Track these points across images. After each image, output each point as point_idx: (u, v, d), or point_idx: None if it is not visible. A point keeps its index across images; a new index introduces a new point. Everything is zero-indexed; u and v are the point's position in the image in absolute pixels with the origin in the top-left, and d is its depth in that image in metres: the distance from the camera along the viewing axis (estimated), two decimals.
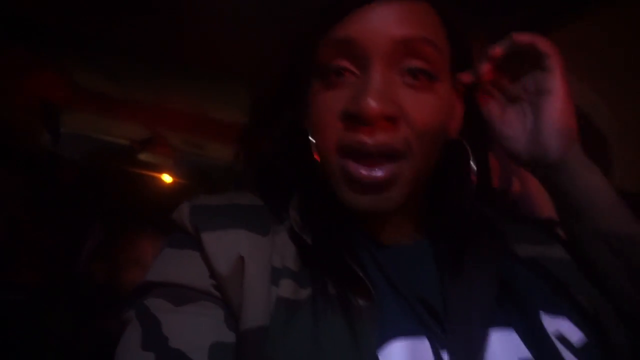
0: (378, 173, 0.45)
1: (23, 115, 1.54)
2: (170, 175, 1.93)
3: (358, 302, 0.43)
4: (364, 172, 0.45)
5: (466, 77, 0.50)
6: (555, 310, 0.47)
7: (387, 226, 0.52)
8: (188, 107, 1.64)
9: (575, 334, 0.46)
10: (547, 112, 0.50)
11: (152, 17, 1.22)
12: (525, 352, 0.44)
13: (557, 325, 0.46)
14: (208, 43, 1.29)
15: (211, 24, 1.21)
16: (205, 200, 0.50)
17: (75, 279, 1.41)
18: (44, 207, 1.39)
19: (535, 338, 0.45)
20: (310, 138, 0.50)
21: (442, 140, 0.50)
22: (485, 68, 0.50)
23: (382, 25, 0.46)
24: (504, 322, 0.46)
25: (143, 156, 1.77)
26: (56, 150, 1.58)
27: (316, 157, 0.49)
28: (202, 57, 1.36)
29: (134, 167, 1.75)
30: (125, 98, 1.61)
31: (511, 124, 0.53)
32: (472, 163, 0.53)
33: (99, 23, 1.29)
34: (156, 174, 1.82)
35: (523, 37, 0.49)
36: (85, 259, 1.42)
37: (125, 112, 1.66)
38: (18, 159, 1.39)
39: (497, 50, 0.49)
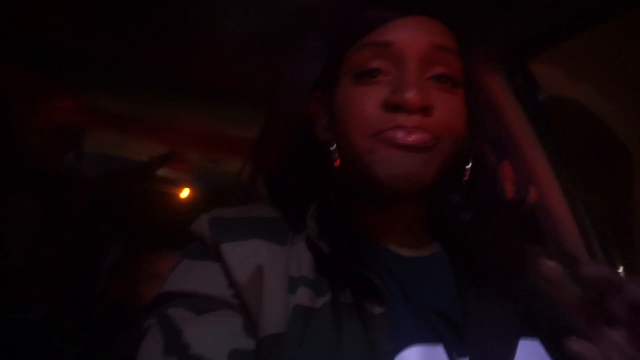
0: (415, 137, 0.49)
1: (43, 139, 1.59)
2: (189, 189, 1.96)
3: (373, 310, 0.45)
4: (401, 134, 0.49)
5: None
6: None
7: (403, 236, 0.54)
8: (204, 124, 1.67)
9: None
10: None
11: (166, 38, 1.25)
12: None
13: None
14: (221, 62, 1.32)
15: (222, 43, 1.23)
16: (223, 213, 0.52)
17: (91, 298, 1.44)
18: (62, 226, 1.42)
19: (560, 350, 0.43)
20: (331, 149, 0.54)
21: (460, 143, 0.54)
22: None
23: (417, 32, 0.52)
24: (528, 333, 0.46)
25: (162, 172, 1.80)
26: (78, 170, 1.62)
27: (336, 163, 0.53)
28: (215, 75, 1.39)
29: (153, 183, 1.78)
30: (143, 117, 1.65)
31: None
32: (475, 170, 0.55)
33: (115, 46, 1.32)
34: (175, 190, 1.85)
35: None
36: (103, 276, 1.45)
37: (143, 130, 1.70)
38: (40, 182, 1.43)
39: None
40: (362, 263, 0.48)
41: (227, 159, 1.78)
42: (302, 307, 0.45)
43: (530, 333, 0.47)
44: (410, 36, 0.52)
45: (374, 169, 0.50)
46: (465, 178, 0.56)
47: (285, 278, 0.47)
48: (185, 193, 1.91)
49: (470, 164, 0.57)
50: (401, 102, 0.49)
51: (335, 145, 0.54)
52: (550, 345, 0.47)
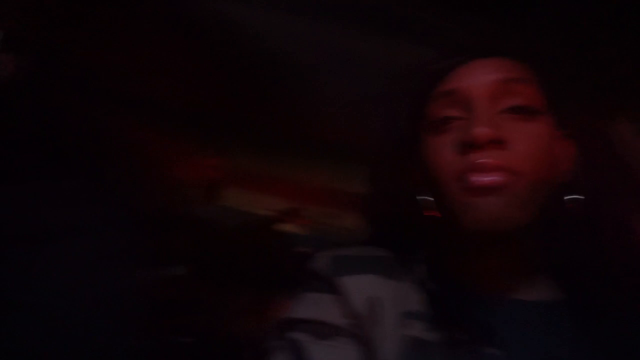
0: (493, 177, 0.49)
1: (189, 191, 1.83)
2: (305, 249, 2.08)
3: (490, 351, 0.47)
4: (482, 178, 0.49)
5: None
6: None
7: (515, 278, 0.54)
8: (323, 181, 1.80)
9: None
10: None
11: (292, 102, 1.42)
12: None
13: None
14: (341, 123, 1.45)
15: (341, 105, 1.37)
16: (338, 251, 0.58)
17: (227, 334, 1.57)
18: (206, 267, 1.60)
19: None
20: (417, 198, 0.57)
21: (550, 175, 0.53)
22: None
23: (480, 73, 0.54)
24: None
25: (283, 226, 1.95)
26: (215, 220, 1.82)
27: (434, 213, 0.55)
28: (334, 136, 1.52)
29: (275, 237, 1.92)
30: (270, 174, 1.83)
31: None
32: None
33: (249, 111, 1.52)
34: (295, 245, 1.97)
35: None
36: (236, 316, 1.58)
37: (269, 187, 1.88)
38: (185, 226, 1.65)
39: None
40: (475, 305, 0.50)
41: (345, 215, 1.89)
42: (416, 339, 0.48)
43: None
44: (473, 78, 0.53)
45: (459, 216, 0.50)
46: (573, 214, 0.55)
47: (400, 311, 0.50)
48: (303, 247, 2.03)
49: (580, 199, 0.54)
50: (470, 139, 0.50)
51: (422, 196, 0.56)
52: None
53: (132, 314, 0.64)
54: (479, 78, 0.54)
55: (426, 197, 0.57)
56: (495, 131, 0.50)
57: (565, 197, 0.56)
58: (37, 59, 0.65)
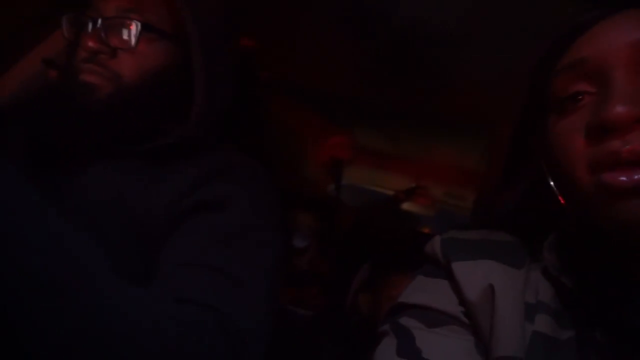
0: (637, 174, 0.38)
1: (317, 170, 1.91)
2: (428, 230, 2.05)
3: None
4: (623, 178, 0.39)
5: None
6: None
7: None
8: (451, 160, 1.74)
9: None
10: None
11: (416, 82, 1.38)
12: None
13: None
14: (467, 101, 1.38)
15: (471, 82, 1.29)
16: (456, 234, 0.52)
17: (345, 309, 1.62)
18: (329, 243, 1.67)
19: None
20: (550, 183, 0.47)
21: None
22: None
23: (614, 34, 0.43)
24: None
25: (406, 205, 1.94)
26: (339, 198, 1.87)
27: (561, 200, 0.46)
28: (462, 114, 1.45)
29: (399, 217, 1.92)
30: (396, 153, 1.82)
31: None
32: None
33: (377, 90, 1.51)
34: (416, 224, 1.95)
35: None
36: (353, 292, 1.62)
37: (394, 165, 1.88)
38: (312, 203, 1.73)
39: None
40: (618, 304, 0.41)
41: (469, 195, 1.81)
42: (543, 336, 0.42)
43: None
44: (606, 43, 0.43)
45: (598, 211, 0.41)
46: None
47: (520, 301, 0.45)
48: (427, 228, 2.00)
49: None
50: (604, 120, 0.39)
51: (552, 182, 0.47)
52: None
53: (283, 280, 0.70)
54: (614, 40, 0.42)
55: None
56: (638, 106, 0.39)
57: None
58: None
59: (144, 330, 0.49)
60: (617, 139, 0.39)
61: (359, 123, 1.75)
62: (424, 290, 0.50)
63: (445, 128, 1.53)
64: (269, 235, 0.67)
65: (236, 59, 0.81)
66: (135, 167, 0.68)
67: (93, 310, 0.47)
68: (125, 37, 0.68)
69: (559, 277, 0.45)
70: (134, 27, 0.68)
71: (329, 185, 1.99)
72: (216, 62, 0.72)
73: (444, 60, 1.24)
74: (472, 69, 1.24)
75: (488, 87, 1.18)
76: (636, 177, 0.38)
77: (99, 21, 0.68)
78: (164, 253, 0.62)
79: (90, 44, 0.67)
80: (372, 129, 1.73)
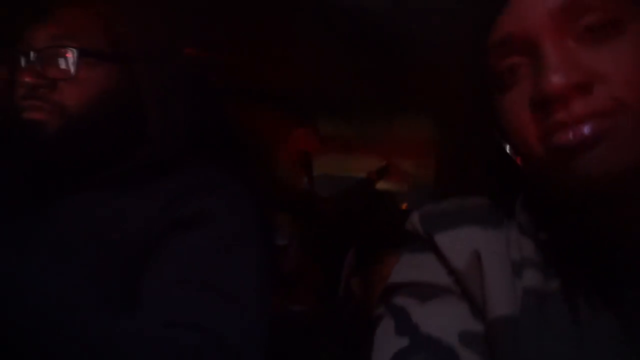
0: (585, 130, 0.38)
1: (288, 167, 1.90)
2: (406, 206, 2.07)
3: (632, 294, 0.40)
4: (570, 135, 0.39)
5: None
6: None
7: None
8: (414, 133, 1.76)
9: None
10: None
11: (376, 62, 1.39)
12: None
13: None
14: (418, 76, 1.38)
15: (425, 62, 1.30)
16: (432, 207, 0.52)
17: (338, 299, 1.63)
18: (308, 237, 1.67)
19: None
20: (506, 148, 0.49)
21: None
22: None
23: (531, 4, 0.42)
24: None
25: (380, 185, 1.95)
26: (313, 190, 1.87)
27: (518, 161, 0.48)
28: (424, 87, 1.46)
29: (374, 196, 1.93)
30: (362, 136, 1.83)
31: None
32: None
33: (338, 80, 1.51)
34: (394, 201, 1.97)
35: None
36: (345, 279, 1.63)
37: (361, 149, 1.89)
38: (287, 200, 1.72)
39: None
40: (597, 252, 0.42)
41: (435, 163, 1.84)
42: (533, 290, 0.43)
43: None
44: (527, 14, 0.42)
45: (555, 179, 0.42)
46: None
47: (506, 260, 0.45)
48: (404, 203, 2.02)
49: None
50: (543, 96, 0.39)
51: (509, 146, 0.48)
52: None
53: (271, 286, 0.69)
54: (532, 10, 0.42)
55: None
56: (574, 74, 0.39)
57: None
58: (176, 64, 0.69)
59: (147, 358, 0.48)
60: (562, 110, 0.39)
61: (320, 113, 1.74)
62: (412, 267, 0.50)
63: (403, 104, 1.54)
64: (249, 243, 0.66)
65: (186, 70, 0.79)
66: (105, 195, 0.66)
67: (84, 346, 0.46)
68: (63, 66, 0.66)
69: (536, 234, 0.46)
70: (71, 55, 0.66)
71: (302, 179, 1.99)
72: (164, 77, 0.70)
73: (390, 41, 1.24)
74: (419, 46, 1.25)
75: (434, 60, 1.20)
76: (584, 131, 0.39)
77: (32, 54, 0.65)
78: (146, 276, 0.60)
79: (27, 79, 0.64)
80: (334, 117, 1.73)
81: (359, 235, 1.72)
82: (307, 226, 1.69)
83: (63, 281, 0.50)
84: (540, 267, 0.45)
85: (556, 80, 0.39)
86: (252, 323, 0.59)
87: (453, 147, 0.58)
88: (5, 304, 0.45)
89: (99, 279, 0.59)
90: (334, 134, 1.86)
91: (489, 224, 0.48)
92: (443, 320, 0.45)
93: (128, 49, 0.68)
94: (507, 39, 0.44)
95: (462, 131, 0.57)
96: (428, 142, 1.73)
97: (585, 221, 0.43)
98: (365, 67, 1.35)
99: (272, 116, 1.68)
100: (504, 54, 0.44)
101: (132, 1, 0.71)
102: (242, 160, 0.80)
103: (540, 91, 0.40)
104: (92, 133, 0.66)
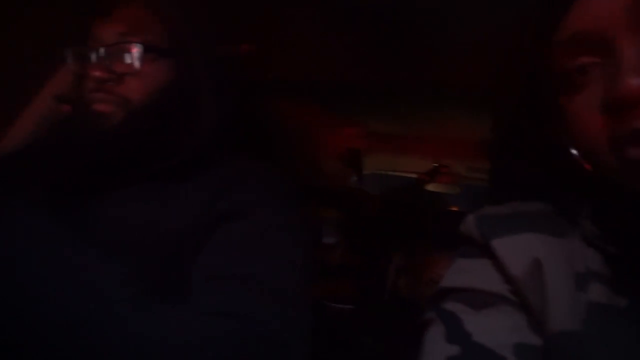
0: None
1: (334, 163, 1.91)
2: (457, 208, 2.02)
3: None
4: None
5: None
6: None
7: None
8: (469, 134, 1.71)
9: None
10: None
11: (423, 59, 1.35)
12: None
13: None
14: (467, 69, 1.33)
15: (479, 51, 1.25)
16: (490, 210, 0.50)
17: (383, 297, 1.62)
18: (355, 235, 1.67)
19: None
20: (572, 151, 0.45)
21: None
22: None
23: (607, 1, 0.40)
24: None
25: (430, 187, 1.92)
26: (361, 188, 1.87)
27: (587, 167, 0.44)
28: (476, 83, 1.41)
29: (423, 197, 1.91)
30: (413, 135, 1.80)
31: None
32: None
33: (380, 73, 1.49)
34: (444, 202, 1.94)
35: None
36: (392, 279, 1.62)
37: (412, 148, 1.86)
38: (336, 197, 1.73)
39: None
40: None
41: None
42: (600, 305, 0.40)
43: None
44: (602, 11, 0.39)
45: (634, 193, 0.39)
46: None
47: (570, 271, 0.42)
48: (455, 206, 1.98)
49: None
50: (618, 99, 0.37)
51: (574, 151, 0.45)
52: None
53: (313, 279, 0.69)
54: (609, 6, 0.39)
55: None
56: None
57: None
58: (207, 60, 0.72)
59: (189, 348, 0.50)
60: (636, 112, 0.37)
61: (370, 110, 1.73)
62: (465, 272, 0.48)
63: (456, 101, 1.50)
64: (293, 235, 0.67)
65: (236, 66, 0.81)
66: (154, 188, 0.68)
67: (128, 337, 0.48)
68: (128, 61, 0.69)
69: (604, 246, 0.43)
70: (136, 50, 0.69)
71: (351, 177, 1.99)
72: (217, 72, 0.72)
73: (435, 31, 1.20)
74: (466, 36, 1.20)
75: (484, 52, 1.16)
76: None
77: (101, 50, 0.69)
78: (193, 269, 0.62)
79: (96, 73, 0.68)
80: (384, 114, 1.71)
81: (407, 235, 1.71)
82: (355, 224, 1.69)
83: (110, 274, 0.52)
84: (607, 281, 0.42)
85: (634, 82, 0.36)
86: (297, 315, 0.59)
87: (509, 149, 0.54)
88: (54, 297, 0.47)
89: (145, 272, 0.60)
90: (385, 133, 1.84)
91: (552, 232, 0.45)
92: (497, 330, 0.42)
93: (185, 44, 0.70)
94: (577, 36, 0.41)
95: (520, 132, 0.52)
96: (482, 144, 1.67)
97: None
98: (411, 60, 1.32)
99: (322, 113, 1.69)
100: (573, 53, 0.41)
101: None
102: (284, 153, 0.82)
103: (615, 93, 0.37)
104: (151, 125, 0.69)
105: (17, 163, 0.76)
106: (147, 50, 0.69)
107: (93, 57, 0.69)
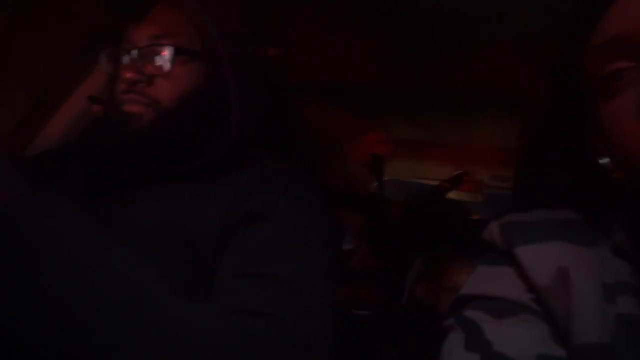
0: None
1: (358, 168, 1.91)
2: (478, 216, 2.00)
3: None
4: None
5: None
6: None
7: None
8: (493, 142, 1.70)
9: None
10: None
11: (448, 65, 1.34)
12: None
13: None
14: (495, 76, 1.31)
15: (503, 55, 1.23)
16: (514, 217, 0.49)
17: (403, 304, 1.61)
18: (379, 241, 1.66)
19: None
20: (601, 162, 0.45)
21: None
22: None
23: None
24: None
25: (453, 194, 1.91)
26: (383, 194, 1.87)
27: (616, 175, 0.44)
28: (502, 90, 1.39)
29: (446, 205, 1.89)
30: (436, 142, 1.79)
31: None
32: None
33: (406, 78, 1.48)
34: (467, 210, 1.92)
35: None
36: (410, 285, 1.61)
37: (435, 154, 1.85)
38: (356, 202, 1.73)
39: None
40: None
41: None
42: (630, 317, 0.39)
43: None
44: (636, 12, 0.40)
45: None
46: None
47: (598, 282, 0.41)
48: (476, 214, 1.96)
49: None
50: None
51: (607, 159, 0.45)
52: None
53: (337, 281, 0.70)
54: None
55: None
56: None
57: None
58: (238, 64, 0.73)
59: (213, 347, 0.50)
60: None
61: (394, 116, 1.73)
62: (488, 280, 0.47)
63: (480, 108, 1.48)
64: (317, 235, 0.67)
65: (265, 68, 0.82)
66: (181, 188, 0.70)
67: (159, 331, 0.49)
68: (159, 63, 0.71)
69: (635, 257, 0.42)
70: (167, 52, 0.70)
71: (372, 183, 1.99)
72: (247, 75, 0.74)
73: (462, 37, 1.18)
74: (496, 44, 1.18)
75: (512, 59, 1.13)
76: None
77: (133, 52, 0.71)
78: (219, 268, 0.63)
79: (128, 74, 0.70)
80: (408, 121, 1.71)
81: (428, 242, 1.70)
82: (376, 229, 1.69)
83: (140, 271, 0.53)
84: (637, 293, 0.41)
85: None
86: (321, 314, 0.59)
87: (539, 157, 0.53)
88: (85, 293, 0.48)
89: (176, 271, 0.61)
90: (408, 139, 1.83)
91: (580, 241, 0.44)
92: (519, 340, 0.41)
93: (217, 47, 0.71)
94: (613, 41, 0.41)
95: (550, 140, 0.52)
96: (507, 152, 1.65)
97: None
98: (436, 66, 1.31)
99: (346, 117, 1.70)
100: (610, 58, 0.41)
101: (219, 2, 0.74)
102: (309, 155, 0.82)
103: None
104: (180, 126, 0.70)
105: (50, 162, 0.79)
106: (178, 52, 0.71)
107: (125, 58, 0.71)
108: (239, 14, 0.78)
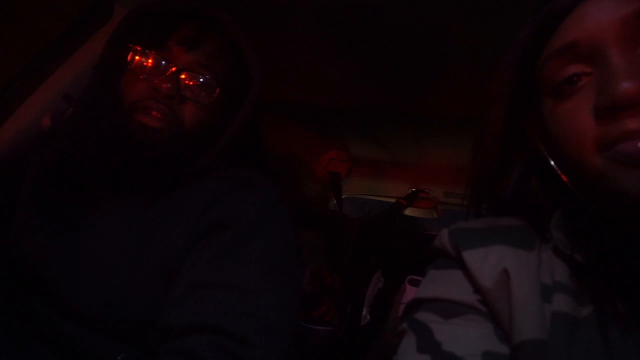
0: None
1: (317, 187, 1.92)
2: (434, 232, 2.05)
3: None
4: (636, 144, 0.39)
5: None
6: None
7: None
8: (446, 161, 1.75)
9: None
10: None
11: (404, 87, 1.38)
12: None
13: None
14: (452, 99, 1.35)
15: (459, 76, 1.27)
16: (462, 224, 0.51)
17: (363, 319, 1.62)
18: (334, 258, 1.68)
19: None
20: (551, 163, 0.47)
21: None
22: None
23: (602, 13, 0.42)
24: None
25: (409, 211, 1.95)
26: (341, 212, 1.89)
27: (564, 178, 0.46)
28: (455, 110, 1.43)
29: (403, 221, 1.93)
30: (393, 160, 1.83)
31: None
32: None
33: (367, 98, 1.51)
34: (422, 226, 1.96)
35: None
36: (369, 301, 1.63)
37: (392, 173, 1.89)
38: (314, 220, 1.74)
39: None
40: (634, 273, 0.40)
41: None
42: (563, 315, 0.41)
43: None
44: (596, 22, 0.41)
45: (612, 195, 0.41)
46: None
47: (536, 283, 0.44)
48: (433, 230, 2.00)
49: None
50: (614, 100, 0.39)
51: (553, 162, 0.47)
52: None
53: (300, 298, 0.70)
54: (603, 18, 0.41)
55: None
56: None
57: None
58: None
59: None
60: (631, 117, 0.39)
61: (352, 136, 1.76)
62: (437, 283, 0.49)
63: (434, 129, 1.54)
64: (281, 251, 0.67)
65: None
66: (151, 197, 0.69)
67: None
68: (199, 91, 0.71)
69: (572, 255, 0.44)
70: (212, 86, 0.71)
71: (330, 200, 2.01)
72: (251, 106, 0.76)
73: (424, 61, 1.23)
74: (453, 67, 1.23)
75: (471, 81, 1.17)
76: None
77: (178, 69, 0.70)
78: (179, 275, 0.63)
79: (166, 86, 0.68)
80: (366, 140, 1.74)
81: (386, 257, 1.72)
82: (334, 246, 1.70)
83: (109, 275, 0.57)
84: (572, 292, 0.43)
85: (627, 85, 0.38)
86: (280, 331, 0.59)
87: (484, 170, 0.55)
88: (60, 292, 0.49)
89: (141, 276, 0.62)
90: (366, 158, 1.87)
91: (521, 245, 0.47)
92: (467, 339, 0.43)
93: (251, 89, 0.74)
94: (571, 46, 0.43)
95: (496, 147, 0.54)
96: (460, 170, 1.71)
97: (631, 241, 0.41)
98: (398, 87, 1.34)
99: (305, 135, 1.71)
100: (565, 62, 0.44)
101: (249, 36, 0.76)
102: (272, 171, 0.83)
103: (608, 97, 0.39)
104: (184, 147, 0.70)
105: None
106: (219, 87, 0.72)
107: (166, 69, 0.69)
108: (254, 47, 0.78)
